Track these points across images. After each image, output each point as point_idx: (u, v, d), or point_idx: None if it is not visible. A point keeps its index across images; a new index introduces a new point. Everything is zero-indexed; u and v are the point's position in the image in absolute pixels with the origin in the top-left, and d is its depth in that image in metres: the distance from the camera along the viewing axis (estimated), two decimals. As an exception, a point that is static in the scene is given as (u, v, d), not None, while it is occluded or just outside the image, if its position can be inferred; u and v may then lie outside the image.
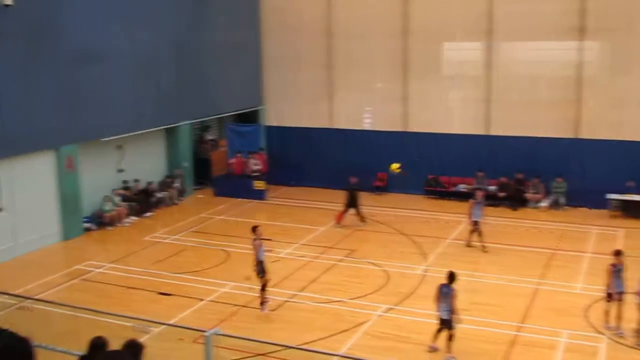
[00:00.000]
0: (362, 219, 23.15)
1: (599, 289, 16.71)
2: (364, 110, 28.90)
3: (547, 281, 17.89)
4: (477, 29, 26.19)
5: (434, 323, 14.29)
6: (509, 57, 26.62)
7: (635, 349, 13.88)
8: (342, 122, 28.88)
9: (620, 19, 24.45)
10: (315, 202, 26.19)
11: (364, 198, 25.73)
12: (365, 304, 16.29)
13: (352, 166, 26.59)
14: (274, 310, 15.84)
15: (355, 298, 16.65)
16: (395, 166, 21.41)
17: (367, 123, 28.77)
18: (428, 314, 15.50)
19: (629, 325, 14.42)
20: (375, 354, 13.51)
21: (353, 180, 23.35)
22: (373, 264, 19.17)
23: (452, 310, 13.41)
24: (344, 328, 14.94)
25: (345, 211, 23.04)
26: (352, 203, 23.04)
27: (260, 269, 15.70)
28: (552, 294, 17.02)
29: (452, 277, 13.62)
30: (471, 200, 20.74)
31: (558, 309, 16.01)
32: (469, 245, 20.46)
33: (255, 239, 15.75)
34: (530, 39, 26.03)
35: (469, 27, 26.36)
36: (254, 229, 15.91)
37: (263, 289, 15.79)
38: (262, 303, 15.75)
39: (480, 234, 20.21)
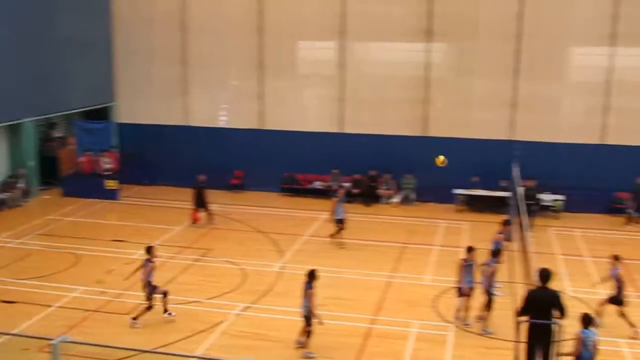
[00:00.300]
0: (211, 217, 22.88)
1: (446, 280, 17.56)
2: (219, 107, 28.65)
3: (399, 274, 18.52)
4: (331, 29, 26.65)
5: (292, 320, 14.45)
6: (361, 57, 27.30)
7: (482, 335, 14.63)
8: (198, 119, 28.48)
9: (465, 23, 25.72)
10: (170, 202, 25.66)
11: (220, 196, 25.66)
12: (223, 304, 16.16)
13: (208, 164, 26.40)
14: (127, 314, 15.32)
15: (212, 298, 16.48)
16: (441, 159, 20.93)
17: (222, 121, 28.55)
18: (286, 311, 15.67)
19: (475, 313, 15.20)
20: (232, 354, 13.42)
21: (202, 178, 22.99)
22: (230, 262, 19.05)
23: (309, 308, 13.56)
24: (201, 329, 14.74)
25: (196, 210, 22.71)
26: (200, 201, 22.70)
27: (151, 291, 14.91)
28: (403, 286, 17.63)
29: (311, 275, 13.74)
30: (333, 199, 21.01)
31: (409, 301, 16.61)
32: (337, 242, 20.67)
33: (149, 260, 14.91)
34: (381, 39, 26.83)
35: (323, 26, 26.78)
36: (149, 249, 15.09)
37: (149, 308, 14.94)
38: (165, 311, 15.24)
39: (343, 231, 20.55)
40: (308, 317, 13.63)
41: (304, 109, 28.24)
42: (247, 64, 27.55)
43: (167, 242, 20.85)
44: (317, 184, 27.07)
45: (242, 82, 28.02)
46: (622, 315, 14.84)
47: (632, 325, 14.79)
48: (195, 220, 22.70)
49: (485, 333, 14.60)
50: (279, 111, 27.72)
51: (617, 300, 14.90)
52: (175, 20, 27.93)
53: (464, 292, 14.98)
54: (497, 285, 15.51)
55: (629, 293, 17.11)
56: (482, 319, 14.95)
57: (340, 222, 20.57)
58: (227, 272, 18.40)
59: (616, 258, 15.07)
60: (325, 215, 24.07)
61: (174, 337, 14.31)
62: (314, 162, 27.23)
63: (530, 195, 22.54)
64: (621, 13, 24.33)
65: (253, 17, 27.13)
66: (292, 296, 16.55)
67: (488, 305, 14.89)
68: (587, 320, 11.48)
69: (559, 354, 11.72)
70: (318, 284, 13.81)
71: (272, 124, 27.73)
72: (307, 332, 13.68)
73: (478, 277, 15.10)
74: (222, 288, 17.10)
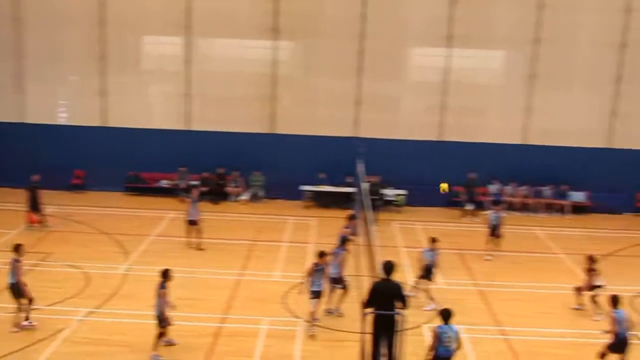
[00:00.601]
0: (44, 219, 21.82)
1: (295, 276, 17.81)
2: (58, 104, 27.36)
3: (249, 272, 18.54)
4: (176, 24, 26.12)
5: (139, 323, 14.13)
6: (207, 53, 27.04)
7: (330, 328, 14.95)
8: (34, 116, 26.99)
9: (311, 22, 26.14)
10: (4, 204, 24.18)
11: (60, 197, 24.68)
12: (65, 310, 15.46)
13: (46, 163, 25.21)
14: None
15: (54, 304, 15.71)
16: (445, 186, 20.16)
17: (62, 117, 27.29)
18: (132, 314, 15.31)
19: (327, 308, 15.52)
20: (75, 361, 12.94)
21: (35, 178, 21.81)
22: (72, 266, 18.25)
23: (161, 308, 13.35)
24: (41, 337, 14.02)
25: (31, 212, 21.58)
26: (34, 203, 21.59)
27: (17, 291, 14.30)
28: (253, 284, 17.67)
29: (164, 274, 13.54)
30: (187, 199, 20.56)
31: (259, 298, 16.68)
32: (193, 246, 20.11)
33: (16, 260, 14.33)
34: (228, 36, 26.69)
35: (168, 21, 26.19)
36: (17, 247, 14.51)
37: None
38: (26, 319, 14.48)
39: (199, 232, 20.12)
40: (160, 318, 13.38)
41: (149, 105, 27.56)
42: (88, 58, 26.44)
43: (2, 247, 19.63)
44: (164, 183, 26.55)
45: (83, 78, 26.87)
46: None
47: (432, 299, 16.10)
48: (31, 223, 21.55)
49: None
50: (122, 108, 26.85)
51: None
52: (6, 11, 26.27)
53: (315, 295, 14.91)
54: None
55: (467, 281, 18.21)
56: (330, 312, 15.32)
57: (194, 224, 20.17)
58: (69, 276, 17.62)
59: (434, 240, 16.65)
60: (172, 214, 23.74)
61: (14, 346, 13.51)
62: (160, 160, 26.64)
63: (374, 191, 23.34)
64: (456, 16, 25.67)
65: (94, 9, 26.06)
66: (138, 299, 16.22)
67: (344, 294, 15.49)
68: (445, 316, 11.63)
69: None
70: (170, 284, 13.58)
71: (115, 121, 26.81)
72: (160, 333, 13.44)
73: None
74: (64, 293, 16.35)
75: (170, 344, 13.79)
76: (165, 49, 27.24)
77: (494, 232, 20.67)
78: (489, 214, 21.29)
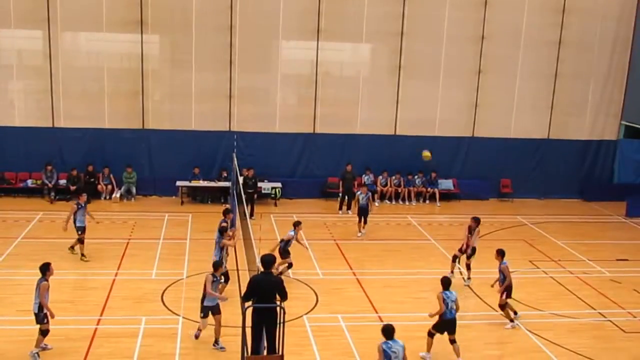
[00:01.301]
0: None
1: (172, 273, 17.62)
2: None
3: (124, 271, 18.08)
4: (36, 17, 24.84)
5: (8, 329, 13.50)
6: (71, 47, 26.07)
7: (210, 325, 14.86)
8: None
9: (178, 15, 25.64)
10: None
11: None
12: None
13: None
14: None
15: None
16: (427, 154, 19.83)
17: None
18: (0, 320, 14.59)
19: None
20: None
21: None
22: None
23: (40, 304, 12.91)
24: None
25: None
26: None
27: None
28: (129, 283, 17.25)
29: (43, 268, 13.14)
30: (73, 205, 19.12)
31: (135, 297, 16.32)
32: (81, 255, 18.79)
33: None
34: (92, 29, 25.69)
35: (27, 14, 24.87)
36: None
37: None
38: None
39: (83, 242, 18.89)
40: (39, 315, 12.95)
41: (9, 102, 26.17)
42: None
43: None
44: (30, 182, 25.36)
45: None
46: None
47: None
48: None
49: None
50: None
51: None
52: None
53: (215, 311, 13.98)
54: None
55: (344, 270, 18.61)
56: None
57: (81, 231, 18.86)
58: None
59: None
60: (40, 214, 22.79)
61: None
62: (24, 159, 25.40)
63: (249, 184, 23.37)
64: (324, 9, 26.00)
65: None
66: (5, 304, 15.59)
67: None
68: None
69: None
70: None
71: (-27, 120, 25.36)
72: (41, 330, 12.98)
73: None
74: None
75: (44, 349, 13.26)
76: (25, 43, 25.99)
77: (363, 211, 22.02)
78: (357, 194, 22.35)
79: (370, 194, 22.60)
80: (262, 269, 11.97)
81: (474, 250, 17.98)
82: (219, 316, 13.80)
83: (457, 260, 18.18)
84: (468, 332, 14.73)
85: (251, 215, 22.82)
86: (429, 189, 26.99)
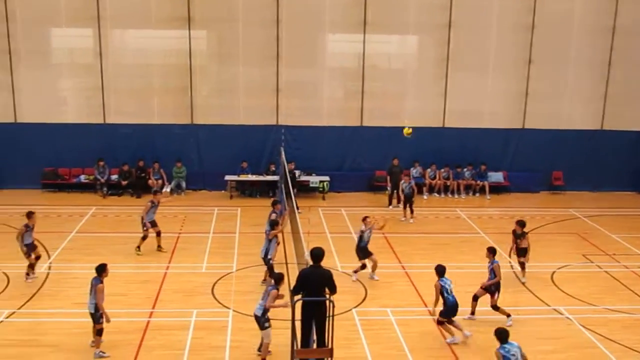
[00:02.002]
0: None
1: (222, 266, 17.76)
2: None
3: (175, 264, 18.32)
4: (85, 15, 25.33)
5: (64, 321, 13.78)
6: (120, 45, 26.48)
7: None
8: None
9: (223, 10, 25.81)
10: None
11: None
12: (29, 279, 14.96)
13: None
14: None
15: (-28, 308, 15.16)
16: (408, 131, 20.38)
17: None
18: (55, 313, 14.97)
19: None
20: (-2, 365, 12.53)
21: None
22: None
23: (96, 304, 13.06)
24: (-40, 343, 13.52)
25: None
26: None
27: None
28: (180, 276, 17.46)
29: (100, 269, 13.25)
30: (147, 203, 19.24)
31: (186, 290, 16.51)
32: (137, 247, 18.99)
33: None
34: (140, 27, 26.10)
35: (77, 12, 25.37)
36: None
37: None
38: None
39: (146, 238, 19.03)
40: (95, 315, 13.09)
41: (62, 100, 26.76)
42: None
43: None
44: (83, 178, 25.86)
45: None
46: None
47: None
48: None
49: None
50: (34, 103, 25.94)
51: None
52: None
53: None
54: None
55: (393, 264, 18.49)
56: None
57: (152, 226, 19.09)
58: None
59: None
60: (92, 209, 23.26)
61: None
62: (77, 155, 25.90)
63: (295, 178, 23.45)
64: (370, 1, 25.86)
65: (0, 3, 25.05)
66: (61, 297, 15.89)
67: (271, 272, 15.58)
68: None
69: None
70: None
71: (27, 117, 25.89)
72: (97, 330, 13.15)
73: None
74: (-17, 296, 15.79)
75: (95, 344, 13.38)
76: (76, 42, 26.48)
77: (407, 199, 22.62)
78: (401, 183, 22.82)
79: (413, 182, 22.96)
80: (311, 263, 11.98)
81: (525, 250, 17.53)
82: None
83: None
84: (520, 327, 14.50)
85: (299, 208, 22.89)
86: (478, 182, 26.67)
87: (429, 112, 26.95)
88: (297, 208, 22.72)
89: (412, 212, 22.78)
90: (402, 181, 23.00)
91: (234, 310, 15.28)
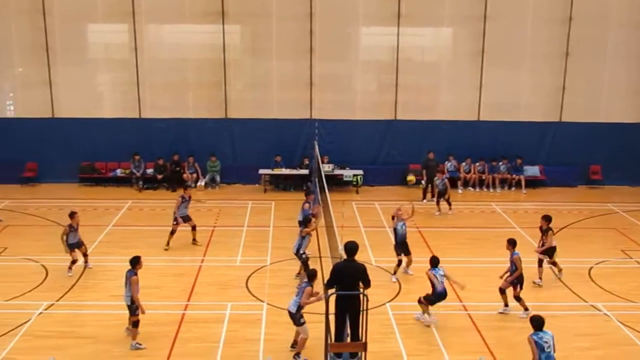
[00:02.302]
0: None
1: (256, 259, 17.83)
2: (5, 96, 26.74)
3: (209, 257, 18.45)
4: (120, 11, 25.60)
5: (101, 313, 13.96)
6: (155, 40, 26.72)
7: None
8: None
9: (257, 5, 25.88)
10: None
11: (13, 191, 24.34)
12: (24, 304, 15.17)
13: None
14: None
15: (12, 299, 15.40)
16: (411, 178, 21.28)
17: (9, 110, 26.67)
18: (93, 305, 15.19)
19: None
20: (38, 355, 12.70)
21: None
22: (29, 259, 17.90)
23: (131, 296, 13.19)
24: (1, 332, 13.74)
25: None
26: None
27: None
28: (214, 269, 17.58)
29: (134, 261, 13.37)
30: (178, 198, 19.32)
31: (221, 283, 16.62)
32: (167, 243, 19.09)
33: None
34: (175, 22, 26.31)
35: (112, 8, 25.64)
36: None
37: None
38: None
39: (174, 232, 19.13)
40: (131, 307, 13.22)
41: (98, 95, 27.10)
42: (33, 49, 25.75)
43: (-47, 244, 19.23)
44: (119, 172, 26.17)
45: (29, 69, 26.19)
46: None
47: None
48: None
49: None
50: (71, 98, 26.30)
51: None
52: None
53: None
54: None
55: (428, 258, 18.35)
56: None
57: (186, 220, 19.21)
58: (27, 270, 17.29)
59: None
60: (128, 203, 23.53)
61: (-29, 344, 13.27)
62: (113, 150, 26.21)
63: (330, 171, 23.46)
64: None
65: (37, -2, 25.44)
66: (99, 289, 16.11)
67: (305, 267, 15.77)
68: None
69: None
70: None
71: (65, 112, 26.27)
72: (133, 322, 13.29)
73: None
74: (23, 287, 16.03)
75: (131, 335, 13.53)
76: (112, 37, 26.78)
77: (440, 195, 22.61)
78: (435, 179, 22.86)
79: (446, 178, 22.81)
80: (345, 257, 11.95)
81: (554, 249, 16.94)
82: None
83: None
84: (558, 323, 14.32)
85: (332, 202, 22.88)
86: (514, 176, 26.37)
87: (463, 105, 26.72)
88: (334, 203, 22.75)
89: (449, 204, 22.71)
90: (436, 177, 22.91)
91: (268, 304, 15.35)
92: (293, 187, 25.82)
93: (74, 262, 16.95)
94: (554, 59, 26.40)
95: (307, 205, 17.61)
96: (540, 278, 16.73)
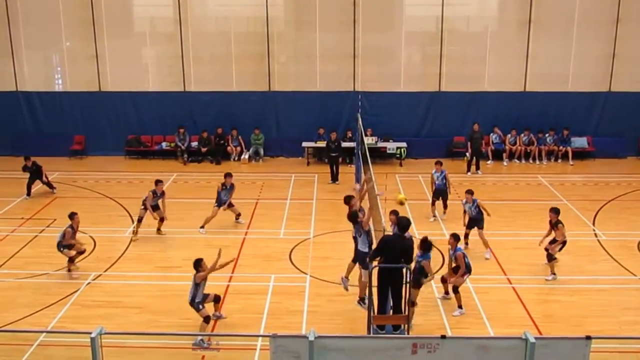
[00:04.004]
0: (51, 185, 21.85)
1: (299, 232, 17.90)
2: (54, 70, 27.19)
3: (253, 230, 18.59)
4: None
5: (147, 284, 14.19)
6: (199, 13, 26.78)
7: (336, 284, 15.02)
8: (30, 84, 26.77)
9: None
10: (3, 172, 24.18)
11: (62, 163, 24.80)
12: (73, 274, 15.54)
13: (45, 130, 25.36)
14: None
15: (62, 269, 15.78)
16: (402, 197, 20.47)
17: (58, 84, 27.13)
18: (140, 276, 15.46)
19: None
20: (87, 324, 12.98)
21: (29, 162, 21.40)
22: (78, 231, 18.19)
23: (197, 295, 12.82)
24: (51, 302, 14.12)
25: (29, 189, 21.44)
26: (35, 180, 21.40)
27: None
28: (258, 242, 17.72)
29: (197, 264, 12.79)
30: (219, 185, 18.98)
31: (264, 255, 16.76)
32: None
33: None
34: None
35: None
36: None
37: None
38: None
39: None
40: (193, 304, 12.79)
41: (144, 68, 27.37)
42: (79, 23, 26.09)
43: (6, 215, 19.71)
44: (164, 145, 26.47)
45: (77, 43, 26.57)
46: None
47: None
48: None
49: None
50: (118, 72, 26.65)
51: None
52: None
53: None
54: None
55: (472, 231, 18.22)
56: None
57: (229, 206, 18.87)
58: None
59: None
60: (174, 175, 23.82)
61: (22, 312, 13.62)
62: (158, 123, 26.54)
63: (332, 148, 23.22)
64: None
65: (83, -28, 25.69)
66: (145, 261, 16.39)
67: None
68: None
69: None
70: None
71: (112, 86, 26.65)
72: (204, 317, 12.71)
73: None
74: (71, 258, 16.41)
75: (219, 317, 13.49)
76: (156, 11, 26.94)
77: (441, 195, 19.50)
78: (433, 173, 19.43)
79: (445, 172, 19.30)
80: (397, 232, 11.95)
81: (564, 244, 15.46)
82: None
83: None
84: (605, 297, 14.13)
85: (335, 179, 22.85)
86: (561, 148, 25.89)
87: (509, 75, 26.24)
88: (336, 180, 22.74)
89: (445, 206, 19.49)
90: (434, 170, 19.43)
91: (311, 276, 15.43)
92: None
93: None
94: (603, 26, 25.69)
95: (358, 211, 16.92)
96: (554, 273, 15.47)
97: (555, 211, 15.75)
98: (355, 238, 13.53)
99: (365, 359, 8.36)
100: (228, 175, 19.03)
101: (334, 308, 13.75)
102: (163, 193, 18.31)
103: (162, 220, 18.21)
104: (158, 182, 18.20)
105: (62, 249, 15.61)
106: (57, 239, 15.71)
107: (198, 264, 12.86)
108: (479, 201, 16.42)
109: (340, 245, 17.11)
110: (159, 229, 18.23)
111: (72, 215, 15.91)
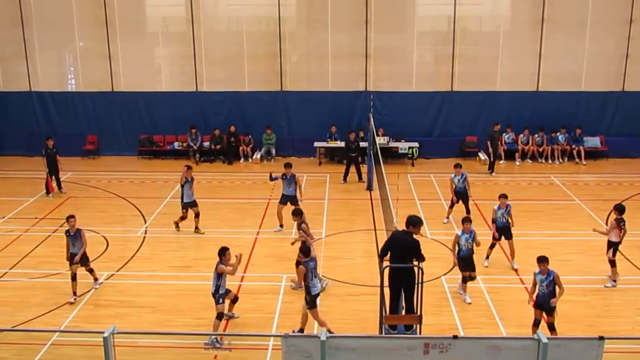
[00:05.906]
0: (60, 186, 21.91)
1: (312, 232, 17.85)
2: (67, 71, 27.32)
3: (265, 229, 18.61)
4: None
5: (160, 284, 14.22)
6: (211, 13, 26.86)
7: (348, 283, 15.05)
8: (43, 84, 26.92)
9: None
10: (17, 172, 24.34)
11: (75, 163, 24.82)
12: (86, 274, 15.57)
13: (58, 130, 25.53)
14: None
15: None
16: None
17: (70, 84, 27.27)
18: (152, 276, 15.49)
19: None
20: (99, 324, 13.06)
21: (50, 143, 21.56)
22: (91, 230, 18.28)
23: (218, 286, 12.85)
24: (64, 301, 14.20)
25: (50, 178, 21.58)
26: (52, 167, 21.53)
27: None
28: (270, 241, 17.75)
29: (221, 253, 12.79)
30: (279, 175, 18.76)
31: (276, 255, 16.77)
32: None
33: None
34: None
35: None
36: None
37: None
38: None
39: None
40: (215, 295, 12.85)
41: (156, 68, 27.48)
42: (92, 23, 26.20)
43: (20, 215, 19.83)
44: (176, 145, 26.55)
45: (89, 44, 26.70)
46: None
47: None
48: (51, 190, 21.55)
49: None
50: (130, 72, 26.72)
51: None
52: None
53: None
54: None
55: (484, 231, 18.15)
56: None
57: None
58: (89, 240, 17.56)
59: None
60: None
61: (35, 312, 13.72)
62: (171, 123, 26.62)
63: (352, 148, 23.13)
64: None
65: (95, -27, 25.81)
66: (157, 260, 16.43)
67: None
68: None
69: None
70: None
71: (124, 86, 26.74)
72: (217, 314, 12.76)
73: None
74: (84, 258, 16.48)
75: (231, 317, 13.51)
76: (169, 11, 27.03)
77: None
78: (452, 177, 18.95)
79: (466, 175, 18.95)
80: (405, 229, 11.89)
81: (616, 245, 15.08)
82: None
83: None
84: (619, 297, 14.06)
85: (360, 178, 22.81)
86: (573, 147, 25.76)
87: (522, 75, 26.15)
88: (360, 178, 22.66)
89: (450, 207, 19.26)
90: (454, 174, 18.95)
91: (323, 276, 15.41)
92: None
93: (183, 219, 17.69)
94: (617, 25, 25.54)
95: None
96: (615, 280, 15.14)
97: (619, 208, 15.04)
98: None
99: (376, 359, 8.37)
100: (288, 165, 18.90)
101: (346, 308, 13.74)
102: (192, 179, 18.25)
103: (197, 215, 18.21)
104: (188, 167, 18.21)
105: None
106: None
107: (223, 252, 12.77)
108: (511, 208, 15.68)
109: (352, 245, 17.16)
110: (196, 227, 18.20)
111: (68, 219, 14.91)
